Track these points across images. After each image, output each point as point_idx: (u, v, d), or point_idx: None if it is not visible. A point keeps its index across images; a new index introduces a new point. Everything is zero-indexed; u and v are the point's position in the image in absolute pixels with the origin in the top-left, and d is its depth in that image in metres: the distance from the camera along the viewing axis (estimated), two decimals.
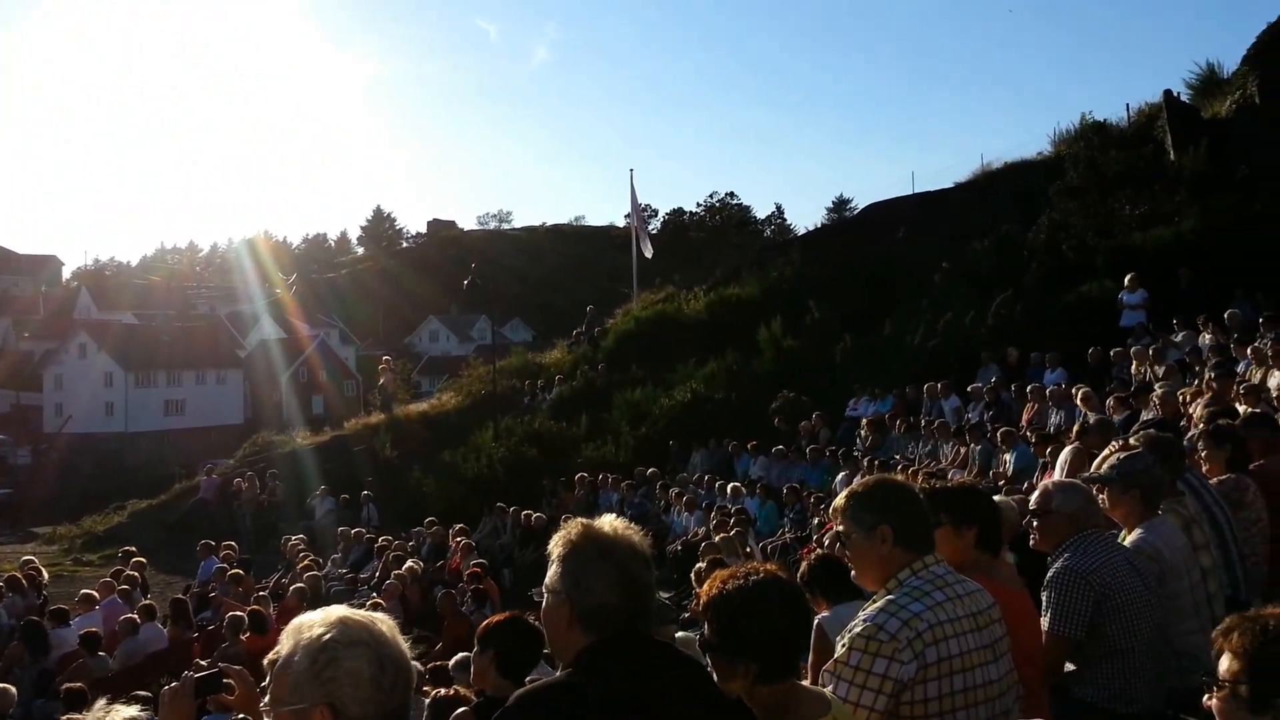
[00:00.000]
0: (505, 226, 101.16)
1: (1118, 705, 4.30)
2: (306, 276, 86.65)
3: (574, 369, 27.25)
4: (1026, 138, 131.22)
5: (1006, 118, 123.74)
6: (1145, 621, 4.37)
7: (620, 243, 39.19)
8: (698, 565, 9.62)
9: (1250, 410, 8.92)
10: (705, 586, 2.91)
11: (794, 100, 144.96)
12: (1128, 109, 26.03)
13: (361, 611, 2.19)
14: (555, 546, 2.58)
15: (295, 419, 47.83)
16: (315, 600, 14.22)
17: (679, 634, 6.77)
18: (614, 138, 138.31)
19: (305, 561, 16.46)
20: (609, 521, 2.60)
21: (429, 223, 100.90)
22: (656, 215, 49.41)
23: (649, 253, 31.54)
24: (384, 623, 2.17)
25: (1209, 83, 24.23)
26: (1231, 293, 16.36)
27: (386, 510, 22.32)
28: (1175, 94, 23.34)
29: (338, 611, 2.15)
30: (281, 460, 26.71)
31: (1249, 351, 13.18)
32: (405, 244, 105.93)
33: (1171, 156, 21.24)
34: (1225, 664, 2.20)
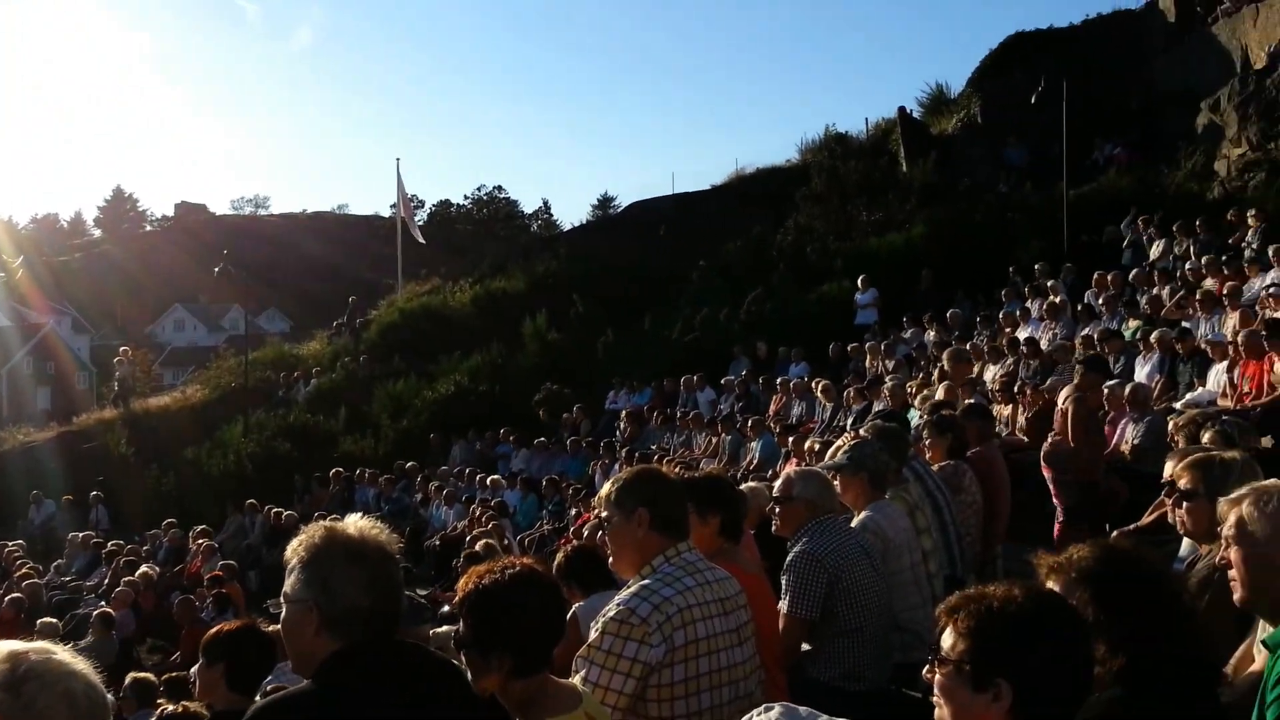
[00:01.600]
0: (262, 212, 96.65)
1: (847, 683, 4.48)
2: (36, 259, 79.53)
3: (334, 361, 26.37)
4: (777, 145, 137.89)
5: (759, 126, 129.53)
6: (874, 602, 4.58)
7: (385, 233, 38.30)
8: (457, 560, 9.65)
9: (968, 401, 9.86)
10: (461, 582, 2.87)
11: (562, 98, 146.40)
12: (866, 123, 27.94)
13: (29, 644, 1.83)
14: (296, 552, 2.46)
15: (19, 414, 43.93)
16: (35, 611, 13.25)
17: (435, 631, 6.75)
18: (380, 126, 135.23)
19: (23, 570, 15.25)
20: (354, 522, 2.53)
21: (176, 205, 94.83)
22: (423, 206, 48.62)
23: (421, 239, 31.09)
24: (60, 651, 1.82)
25: (938, 102, 26.30)
26: (954, 294, 17.93)
27: (121, 512, 20.91)
28: (908, 111, 25.23)
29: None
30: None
31: (968, 348, 14.45)
32: (150, 227, 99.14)
33: (904, 168, 22.96)
34: (949, 641, 2.22)
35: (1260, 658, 2.90)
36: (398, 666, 2.42)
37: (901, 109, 25.08)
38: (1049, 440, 8.56)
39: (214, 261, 32.02)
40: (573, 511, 14.02)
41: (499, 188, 49.21)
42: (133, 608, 12.97)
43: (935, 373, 12.54)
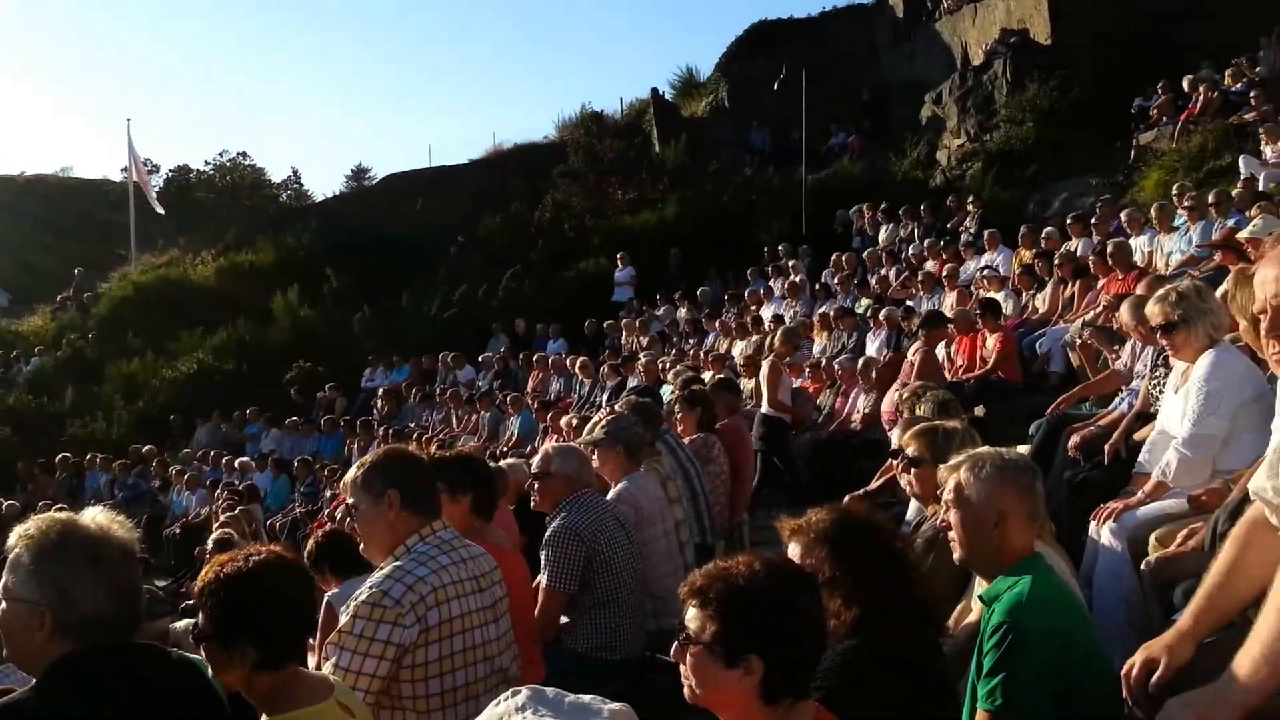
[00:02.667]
0: None
1: (604, 653, 4.56)
2: None
3: (59, 338, 24.34)
4: (535, 122, 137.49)
5: (517, 101, 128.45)
6: (629, 572, 4.70)
7: (115, 199, 35.42)
8: (200, 547, 9.27)
9: (717, 376, 10.36)
10: (203, 572, 2.74)
11: (312, 64, 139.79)
12: (621, 102, 28.49)
13: None
14: (23, 547, 2.24)
15: None
16: None
17: (174, 625, 6.43)
18: (107, 83, 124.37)
19: None
20: (92, 517, 2.34)
21: None
22: (159, 171, 45.26)
23: (160, 207, 29.09)
24: None
25: (689, 85, 27.18)
26: (705, 272, 18.70)
27: None
28: (660, 93, 25.96)
29: None
30: None
31: (717, 324, 15.15)
32: None
33: (657, 149, 23.59)
34: (697, 623, 2.25)
35: (977, 610, 3.19)
36: (131, 670, 2.28)
37: (654, 90, 25.81)
38: (894, 397, 9.08)
39: None
40: (328, 493, 13.70)
41: (244, 153, 46.44)
42: None
43: (722, 338, 12.95)
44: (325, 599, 4.81)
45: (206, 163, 46.11)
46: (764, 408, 9.53)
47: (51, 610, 2.20)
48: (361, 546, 3.45)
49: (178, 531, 14.38)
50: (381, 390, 17.69)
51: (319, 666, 3.11)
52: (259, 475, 15.30)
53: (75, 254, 35.08)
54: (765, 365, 9.67)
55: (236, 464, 15.76)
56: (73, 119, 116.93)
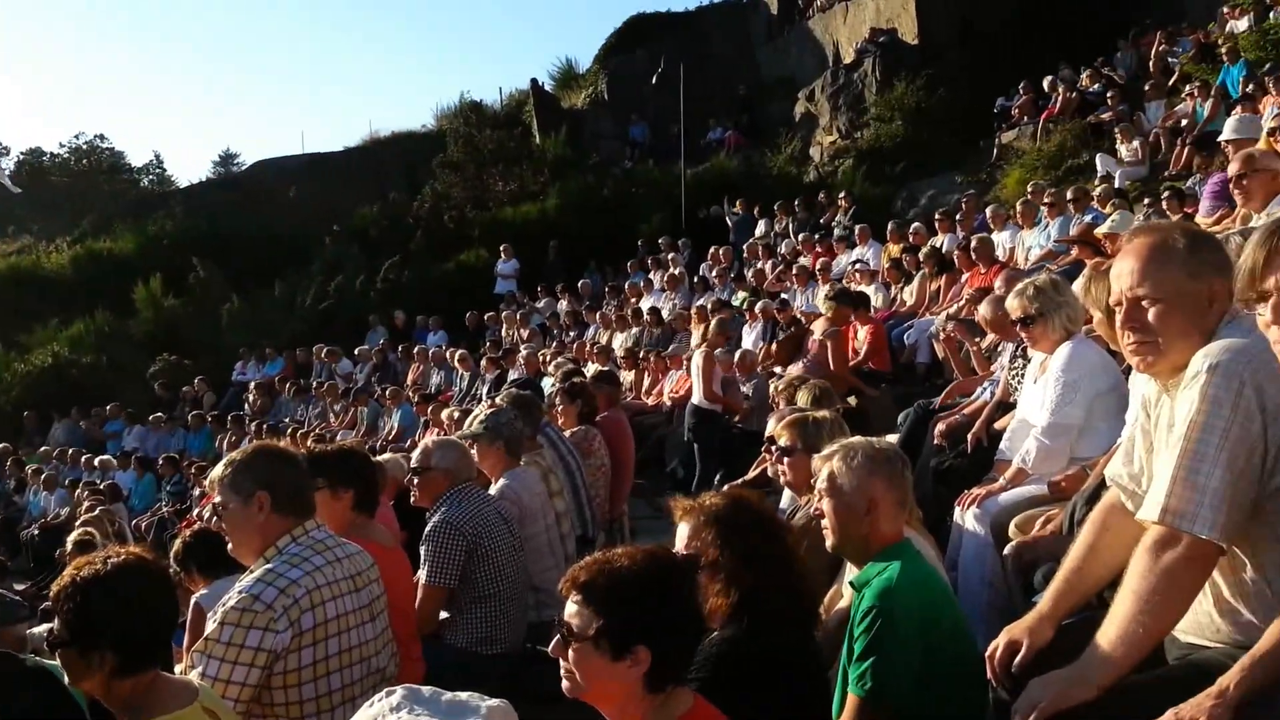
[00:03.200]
0: None
1: (484, 647, 4.55)
2: None
3: None
4: (413, 110, 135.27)
5: (394, 88, 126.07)
6: (511, 566, 4.68)
7: None
8: (60, 550, 8.90)
9: (599, 368, 10.38)
10: (60, 577, 2.64)
11: (175, 44, 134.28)
12: (501, 92, 28.30)
13: None
14: None
15: None
16: None
17: (31, 631, 6.14)
18: None
19: None
20: None
21: None
22: (8, 154, 43.13)
23: (15, 190, 27.73)
24: None
25: (568, 76, 27.09)
26: (585, 265, 18.74)
27: None
28: (540, 84, 25.82)
29: None
30: None
31: (598, 317, 15.19)
32: None
33: (537, 140, 23.49)
34: (581, 617, 2.24)
35: (848, 596, 3.27)
36: None
37: (534, 81, 25.63)
38: (802, 364, 9.05)
39: None
40: (196, 491, 13.30)
41: (101, 136, 44.55)
42: None
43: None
44: (193, 600, 4.70)
45: (61, 145, 44.14)
46: (696, 399, 9.53)
47: None
48: (230, 547, 3.31)
49: (36, 533, 13.78)
50: (253, 384, 17.23)
51: (185, 672, 3.02)
52: (122, 474, 14.80)
53: None
54: (698, 356, 9.60)
55: (97, 462, 15.19)
56: None
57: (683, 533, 3.00)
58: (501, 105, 26.88)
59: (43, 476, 15.11)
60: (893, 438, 6.54)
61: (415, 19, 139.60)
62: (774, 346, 10.67)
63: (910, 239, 12.42)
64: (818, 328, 9.53)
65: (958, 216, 12.48)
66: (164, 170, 46.29)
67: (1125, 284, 2.42)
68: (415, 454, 5.01)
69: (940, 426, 5.92)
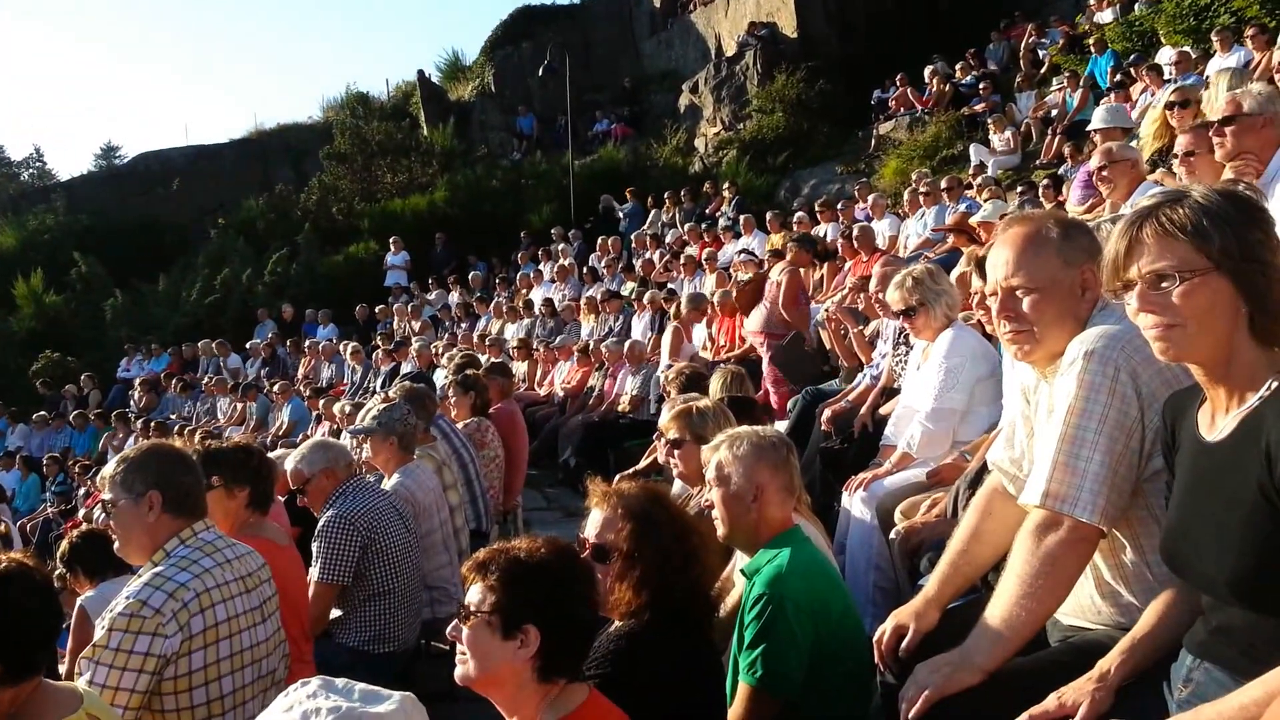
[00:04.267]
0: None
1: (377, 645, 4.51)
2: None
3: None
4: (299, 102, 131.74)
5: (279, 80, 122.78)
6: (406, 562, 4.63)
7: None
8: None
9: (492, 359, 10.38)
10: None
11: (50, 32, 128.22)
12: (387, 84, 27.86)
13: None
14: None
15: None
16: None
17: None
18: None
19: None
20: None
21: None
22: None
23: None
24: None
25: (455, 68, 26.82)
26: (479, 255, 18.69)
27: None
28: (427, 75, 25.51)
29: None
30: None
31: (489, 308, 15.17)
32: None
33: (424, 132, 23.22)
34: (478, 596, 2.28)
35: (739, 584, 3.29)
36: None
37: (420, 73, 25.30)
38: (761, 310, 8.83)
39: None
40: (81, 491, 12.94)
41: None
42: None
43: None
44: (78, 602, 4.65)
45: None
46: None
47: None
48: (117, 546, 3.25)
49: None
50: (139, 381, 16.77)
51: (70, 675, 2.98)
52: (5, 474, 14.33)
53: None
54: (669, 330, 9.47)
55: None
56: None
57: (594, 520, 2.96)
58: (389, 97, 26.52)
59: None
60: (782, 425, 6.79)
61: (300, 10, 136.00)
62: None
63: (794, 228, 12.72)
64: (775, 271, 9.51)
65: (839, 206, 12.83)
66: (44, 164, 44.42)
67: (1000, 274, 2.45)
68: (290, 477, 4.83)
69: (826, 413, 6.08)
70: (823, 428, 6.05)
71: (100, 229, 22.53)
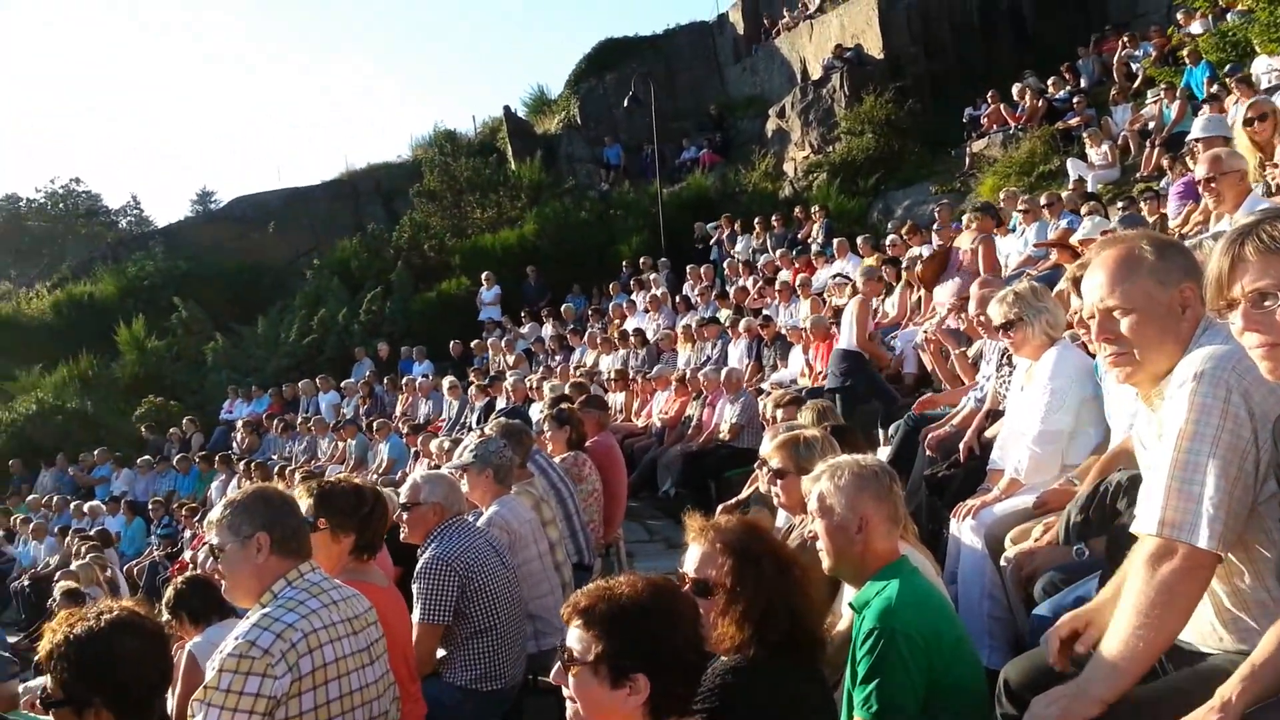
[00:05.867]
0: None
1: (484, 684, 4.50)
2: None
3: None
4: (388, 142, 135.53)
5: (368, 121, 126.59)
6: (505, 597, 4.62)
7: None
8: (51, 600, 8.82)
9: (585, 393, 10.38)
10: (50, 632, 2.63)
11: (147, 86, 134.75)
12: (474, 120, 28.39)
13: None
14: None
15: None
16: None
17: (27, 684, 6.07)
18: None
19: None
20: None
21: None
22: None
23: None
24: None
25: (540, 102, 27.25)
26: (566, 288, 18.79)
27: None
28: (513, 110, 25.94)
29: None
30: None
31: (584, 340, 15.21)
32: None
33: (512, 166, 23.56)
34: (582, 643, 2.26)
35: (848, 617, 3.22)
36: None
37: (506, 109, 25.76)
38: (954, 282, 8.61)
39: None
40: (187, 533, 13.22)
41: (77, 180, 44.58)
42: None
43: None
44: (186, 648, 4.68)
45: (38, 190, 44.00)
46: (845, 343, 9.13)
47: None
48: (224, 589, 3.30)
49: (27, 583, 13.61)
50: (240, 422, 17.13)
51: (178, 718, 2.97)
52: (111, 519, 14.67)
53: None
54: (854, 304, 9.23)
55: (86, 508, 15.06)
56: None
57: (693, 555, 2.93)
58: (476, 134, 27.00)
59: (31, 526, 14.97)
60: (885, 451, 6.60)
61: (387, 51, 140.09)
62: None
63: (888, 250, 12.48)
64: (963, 240, 9.25)
65: (934, 227, 12.55)
66: (142, 211, 46.31)
67: (1095, 296, 2.42)
68: (404, 490, 4.93)
69: (930, 439, 5.93)
70: (927, 453, 5.87)
71: (198, 274, 23.17)
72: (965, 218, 9.90)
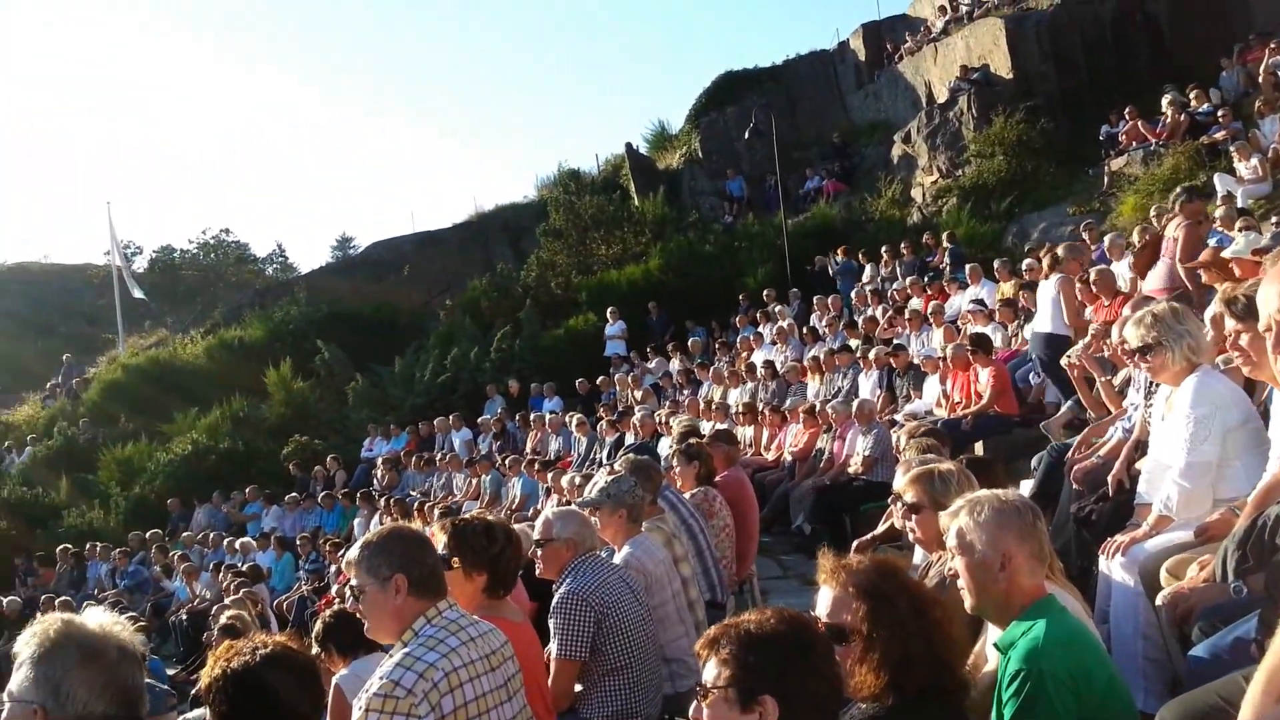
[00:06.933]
0: None
1: None
2: None
3: (50, 426, 24.40)
4: (514, 183, 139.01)
5: (495, 164, 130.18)
6: (641, 636, 4.59)
7: (100, 283, 35.62)
8: (208, 633, 9.18)
9: (715, 426, 10.35)
10: (208, 665, 2.72)
11: (288, 136, 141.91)
12: (597, 159, 28.86)
13: None
14: (26, 646, 2.26)
15: None
16: None
17: (184, 717, 6.32)
18: (84, 168, 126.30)
19: None
20: (96, 616, 2.35)
21: None
22: (142, 253, 45.51)
23: (137, 294, 29.15)
24: None
25: (661, 138, 27.48)
26: (690, 321, 18.83)
27: None
28: (634, 147, 26.25)
29: None
30: None
31: (710, 373, 15.18)
32: None
33: (635, 202, 23.80)
34: (712, 672, 2.29)
35: (993, 658, 3.09)
36: None
37: (629, 145, 26.10)
38: (1163, 265, 8.57)
39: None
40: (332, 568, 13.57)
41: (226, 230, 46.94)
42: None
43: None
44: (334, 681, 4.81)
45: (190, 241, 46.38)
46: (1048, 327, 8.94)
47: (43, 709, 2.20)
48: (367, 628, 3.34)
49: (184, 617, 14.18)
50: (380, 460, 17.60)
51: None
52: (261, 554, 15.11)
53: (61, 340, 35.21)
54: (1055, 282, 9.00)
55: (238, 545, 15.61)
56: (53, 205, 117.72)
57: (825, 598, 2.85)
58: (599, 171, 27.39)
59: (187, 562, 15.59)
60: (1028, 484, 6.37)
61: (510, 94, 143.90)
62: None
63: (1025, 275, 12.11)
64: (1171, 227, 8.99)
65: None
66: (286, 258, 48.34)
67: (1274, 306, 2.28)
68: (537, 525, 4.96)
69: (1076, 471, 5.70)
70: (1074, 486, 5.64)
71: (338, 317, 23.95)
72: (1173, 203, 9.36)
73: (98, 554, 17.53)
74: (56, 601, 13.18)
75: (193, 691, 9.77)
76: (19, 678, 2.23)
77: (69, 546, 18.01)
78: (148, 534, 17.59)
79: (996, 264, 13.13)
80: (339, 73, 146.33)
